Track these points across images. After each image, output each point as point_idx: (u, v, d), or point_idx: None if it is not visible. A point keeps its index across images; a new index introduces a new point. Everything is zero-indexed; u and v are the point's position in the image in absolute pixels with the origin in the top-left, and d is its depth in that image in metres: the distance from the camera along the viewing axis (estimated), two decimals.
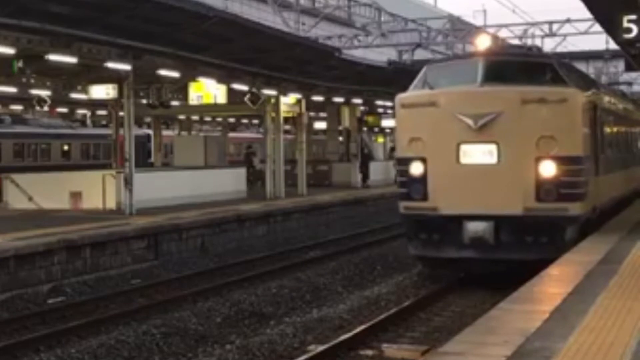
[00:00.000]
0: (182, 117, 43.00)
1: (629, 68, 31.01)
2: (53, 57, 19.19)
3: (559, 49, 35.49)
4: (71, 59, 19.72)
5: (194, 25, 19.77)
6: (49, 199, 23.34)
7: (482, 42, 15.92)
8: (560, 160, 13.93)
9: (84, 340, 12.18)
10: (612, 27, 17.76)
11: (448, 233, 14.41)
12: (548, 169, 13.93)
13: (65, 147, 34.51)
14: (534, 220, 13.97)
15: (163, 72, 23.02)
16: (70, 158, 34.23)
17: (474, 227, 14.07)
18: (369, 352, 10.96)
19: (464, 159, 14.32)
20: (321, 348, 10.79)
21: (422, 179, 14.63)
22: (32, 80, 24.23)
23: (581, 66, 34.96)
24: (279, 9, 39.30)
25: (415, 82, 15.80)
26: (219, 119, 45.23)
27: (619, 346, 6.88)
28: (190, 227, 20.31)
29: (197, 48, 22.06)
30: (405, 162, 15.05)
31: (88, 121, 41.67)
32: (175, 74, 23.54)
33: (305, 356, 10.46)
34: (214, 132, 47.25)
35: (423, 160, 14.67)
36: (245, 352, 11.10)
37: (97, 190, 22.91)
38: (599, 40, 36.80)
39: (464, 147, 14.32)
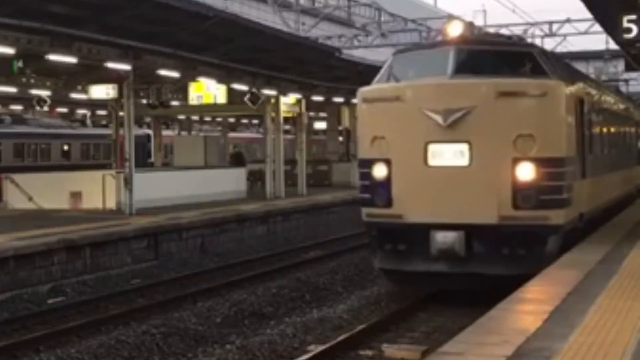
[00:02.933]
0: (182, 117, 43.04)
1: (629, 68, 31.02)
2: (53, 57, 19.20)
3: (559, 49, 35.53)
4: (71, 59, 19.74)
5: (194, 25, 19.78)
6: (49, 199, 23.34)
7: (454, 29, 13.85)
8: (540, 162, 12.39)
9: (84, 340, 12.19)
10: (612, 27, 17.76)
11: (415, 244, 12.93)
12: (526, 171, 12.38)
13: (65, 147, 34.51)
14: (511, 230, 12.41)
15: (163, 72, 23.02)
16: (70, 158, 34.23)
17: (443, 238, 12.54)
18: (369, 352, 10.96)
19: (432, 161, 12.79)
20: (321, 348, 10.79)
21: (386, 183, 13.12)
22: (32, 80, 24.24)
23: (581, 66, 35.00)
24: (279, 9, 39.31)
25: (381, 73, 14.24)
26: (219, 119, 45.24)
27: (619, 346, 6.88)
28: (190, 227, 20.32)
29: (197, 48, 22.07)
30: (367, 164, 13.47)
31: (88, 121, 41.68)
32: (175, 74, 23.55)
33: (305, 356, 10.46)
34: (213, 132, 47.24)
35: (387, 161, 13.12)
36: (245, 352, 11.10)
37: (97, 190, 22.92)
38: (599, 40, 36.88)
39: (432, 147, 12.77)
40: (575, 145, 13.66)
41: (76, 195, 23.35)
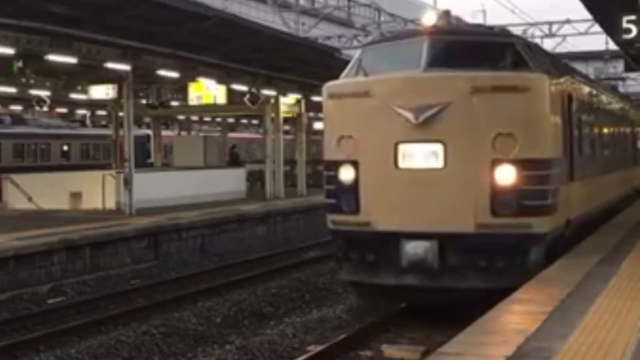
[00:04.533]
0: (181, 117, 43.05)
1: (628, 68, 31.06)
2: (53, 57, 19.21)
3: (559, 49, 35.56)
4: (71, 59, 19.74)
5: (194, 25, 19.79)
6: (48, 199, 23.36)
7: (428, 18, 12.55)
8: (521, 163, 11.19)
9: (84, 340, 12.21)
10: (611, 28, 17.77)
11: (384, 254, 11.78)
12: (506, 174, 11.20)
13: (65, 148, 34.52)
14: (489, 239, 11.25)
15: (163, 73, 23.03)
16: (69, 158, 34.24)
17: (413, 248, 11.40)
18: (369, 353, 10.97)
19: (403, 163, 11.65)
20: (320, 348, 10.80)
21: (353, 188, 11.94)
22: (32, 81, 24.25)
23: (581, 66, 35.00)
24: (279, 9, 39.30)
25: (349, 67, 13.02)
26: (219, 119, 45.26)
27: (618, 346, 6.88)
28: (190, 227, 20.33)
29: (196, 48, 22.09)
30: (332, 166, 12.26)
31: (88, 121, 41.69)
32: (174, 74, 23.57)
33: (305, 356, 10.47)
34: (213, 132, 47.24)
35: (354, 163, 11.95)
36: (245, 352, 11.12)
37: (96, 190, 22.94)
38: (599, 41, 36.89)
39: (403, 148, 11.63)
40: (562, 146, 12.56)
41: (76, 196, 23.37)
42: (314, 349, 10.89)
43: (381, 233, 11.76)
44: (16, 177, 24.66)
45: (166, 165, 32.78)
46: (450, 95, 11.43)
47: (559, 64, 15.52)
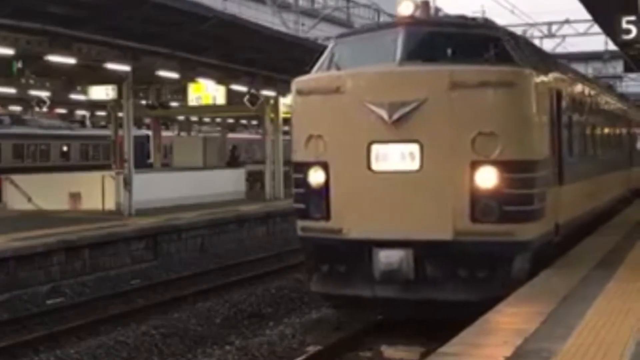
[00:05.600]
0: (181, 118, 43.07)
1: (628, 69, 31.04)
2: (52, 58, 19.21)
3: (559, 50, 35.60)
4: (70, 60, 19.75)
5: (193, 26, 19.80)
6: (48, 199, 23.36)
7: (405, 8, 11.49)
8: (504, 165, 10.31)
9: (83, 340, 12.21)
10: (611, 28, 17.78)
11: (356, 264, 10.92)
12: (487, 177, 10.33)
13: (65, 148, 34.52)
14: (469, 247, 10.39)
15: (162, 73, 23.04)
16: (69, 159, 34.24)
17: (387, 257, 10.51)
18: (368, 353, 10.96)
19: (377, 165, 10.74)
20: (320, 348, 10.80)
21: (323, 192, 11.05)
22: (32, 81, 24.25)
23: (580, 67, 35.01)
24: (278, 9, 39.31)
25: (321, 60, 12.05)
26: (218, 120, 45.29)
27: (617, 347, 6.89)
28: (189, 227, 20.33)
29: (196, 49, 22.09)
30: (301, 168, 11.35)
31: (87, 122, 41.67)
32: (174, 75, 23.57)
33: (304, 357, 10.48)
34: (213, 132, 47.26)
35: (324, 165, 11.04)
36: (244, 352, 11.13)
37: (96, 191, 22.94)
38: (598, 41, 36.93)
39: (376, 148, 10.73)
40: (549, 146, 11.62)
41: (75, 196, 23.37)
42: (314, 349, 10.89)
43: (353, 241, 10.91)
44: (16, 177, 24.66)
45: (166, 166, 32.79)
46: (427, 91, 10.57)
47: (549, 59, 14.74)
